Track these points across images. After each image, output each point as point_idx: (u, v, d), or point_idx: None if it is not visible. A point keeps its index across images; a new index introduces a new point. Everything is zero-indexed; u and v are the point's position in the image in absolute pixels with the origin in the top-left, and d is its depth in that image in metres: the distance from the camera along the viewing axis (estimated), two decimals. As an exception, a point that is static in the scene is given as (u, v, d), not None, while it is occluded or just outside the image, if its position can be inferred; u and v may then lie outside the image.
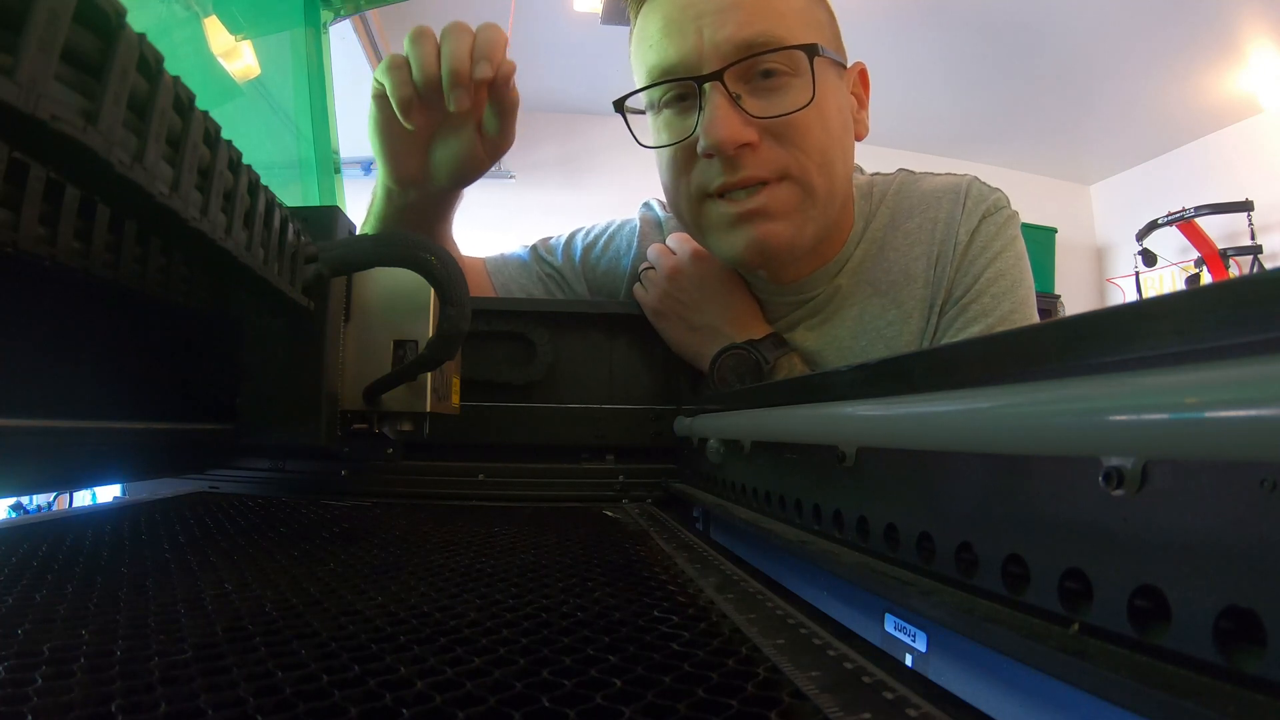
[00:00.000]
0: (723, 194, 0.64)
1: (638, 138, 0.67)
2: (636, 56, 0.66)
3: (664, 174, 0.68)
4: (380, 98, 0.62)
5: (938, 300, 0.70)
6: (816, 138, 0.62)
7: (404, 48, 0.59)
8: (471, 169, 0.66)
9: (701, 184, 0.64)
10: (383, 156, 0.66)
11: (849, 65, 0.69)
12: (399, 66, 0.59)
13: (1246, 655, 0.15)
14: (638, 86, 0.66)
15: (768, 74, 0.61)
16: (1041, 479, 0.20)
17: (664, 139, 0.65)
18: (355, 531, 0.48)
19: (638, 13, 0.67)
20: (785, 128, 0.61)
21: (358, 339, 0.55)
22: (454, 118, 0.65)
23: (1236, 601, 0.15)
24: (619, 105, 0.67)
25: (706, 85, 0.60)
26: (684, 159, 0.64)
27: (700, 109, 0.61)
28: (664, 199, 0.84)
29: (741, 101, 0.60)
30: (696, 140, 0.62)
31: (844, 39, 0.68)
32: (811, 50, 0.60)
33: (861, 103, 0.71)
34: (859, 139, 0.70)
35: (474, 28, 0.59)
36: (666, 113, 0.65)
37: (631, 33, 0.68)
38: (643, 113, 0.68)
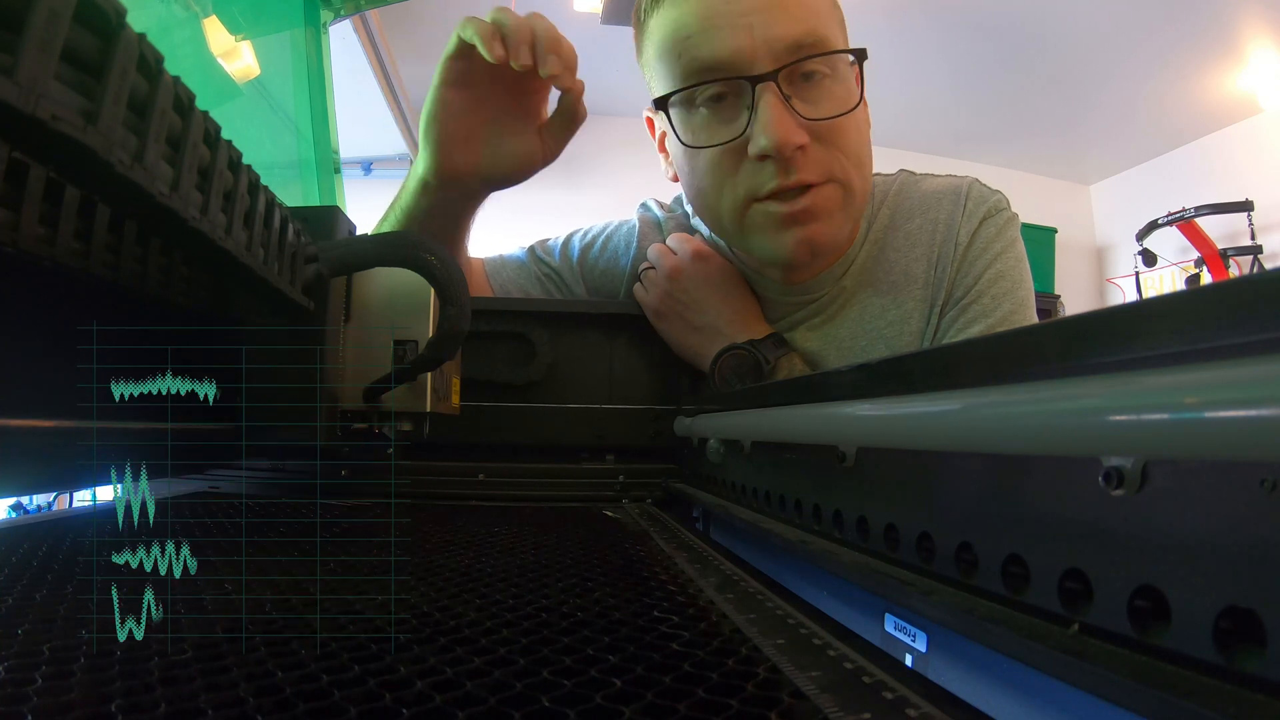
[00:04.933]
0: (771, 196, 0.63)
1: (680, 137, 0.65)
2: (669, 50, 0.64)
3: (702, 176, 0.66)
4: (452, 59, 0.61)
5: (938, 301, 0.70)
6: (854, 139, 0.63)
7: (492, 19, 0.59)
8: (526, 167, 0.66)
9: (752, 188, 0.63)
10: (435, 147, 0.64)
11: None
12: (487, 24, 0.58)
13: (1246, 655, 0.15)
14: (670, 80, 0.64)
15: (807, 75, 0.61)
16: (1041, 479, 0.20)
17: (704, 139, 0.64)
18: (355, 531, 0.48)
19: (655, 3, 0.65)
20: (828, 130, 0.62)
21: (358, 339, 0.55)
22: (510, 120, 0.65)
23: (1236, 601, 0.15)
24: (662, 103, 0.65)
25: (757, 86, 0.60)
26: (730, 161, 0.63)
27: (752, 110, 0.60)
28: (662, 200, 0.84)
29: (792, 103, 0.60)
30: (745, 142, 0.61)
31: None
32: (861, 55, 0.62)
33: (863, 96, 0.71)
34: None
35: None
36: (704, 112, 0.64)
37: (647, 23, 0.66)
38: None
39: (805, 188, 0.62)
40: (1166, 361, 0.17)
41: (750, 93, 0.60)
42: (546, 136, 0.65)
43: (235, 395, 0.50)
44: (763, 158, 0.61)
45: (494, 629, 0.27)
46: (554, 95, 0.65)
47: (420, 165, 0.67)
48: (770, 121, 0.59)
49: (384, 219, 0.71)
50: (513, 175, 0.67)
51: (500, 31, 0.57)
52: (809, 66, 0.61)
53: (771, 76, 0.59)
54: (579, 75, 0.62)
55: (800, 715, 0.20)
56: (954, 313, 0.69)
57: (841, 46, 0.63)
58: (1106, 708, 0.17)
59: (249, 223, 0.35)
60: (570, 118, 0.64)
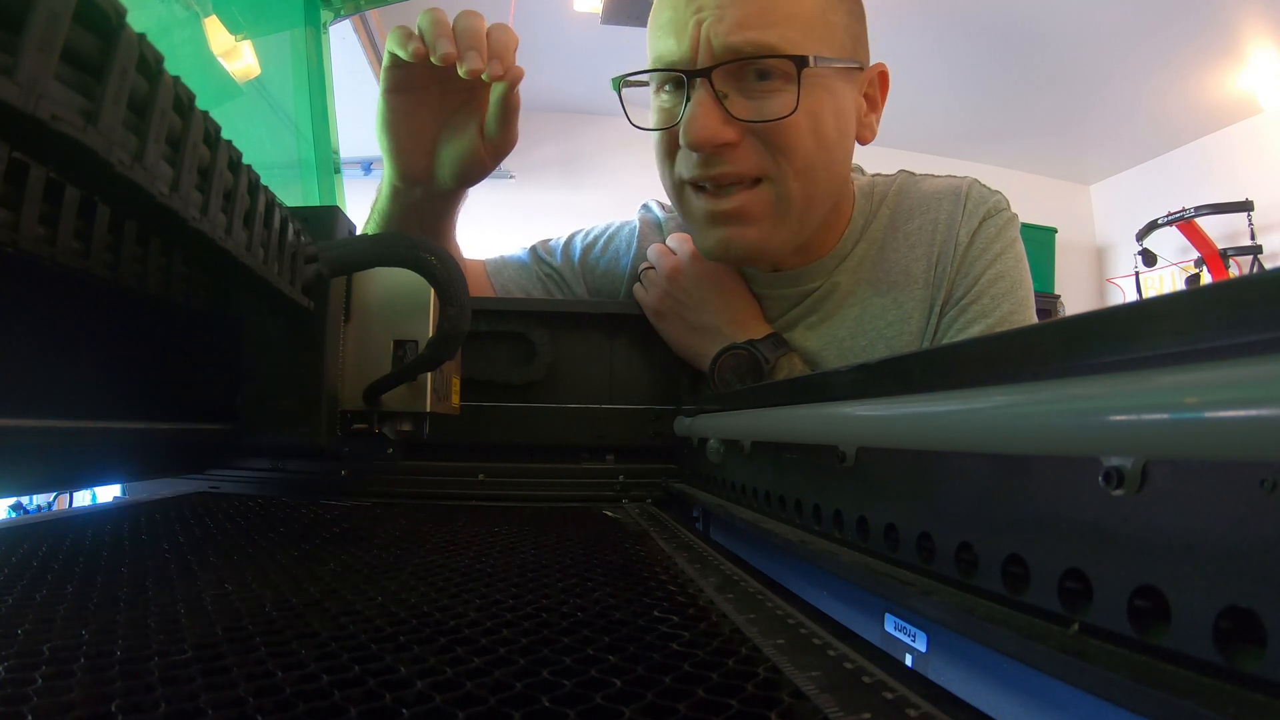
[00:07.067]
0: (699, 187, 0.65)
1: (630, 118, 0.69)
2: (648, 39, 0.68)
3: (655, 156, 0.69)
4: (389, 68, 0.62)
5: (938, 301, 0.70)
6: (803, 144, 0.62)
7: (416, 24, 0.59)
8: (475, 169, 0.67)
9: (680, 172, 0.66)
10: (390, 153, 0.66)
11: (867, 67, 0.68)
12: (410, 30, 0.59)
13: (1246, 655, 0.15)
14: (642, 70, 0.68)
15: (761, 75, 0.61)
16: (1041, 479, 0.20)
17: (656, 122, 0.67)
18: (355, 531, 0.48)
19: None
20: (771, 131, 0.62)
21: (358, 339, 0.55)
22: (459, 118, 0.65)
23: (1236, 601, 0.15)
24: (617, 83, 0.69)
25: (695, 80, 0.61)
26: (669, 144, 0.67)
27: (687, 101, 0.62)
28: (662, 200, 0.85)
29: (727, 101, 0.61)
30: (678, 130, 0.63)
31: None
32: (800, 62, 0.60)
33: (874, 105, 0.70)
34: (863, 143, 0.69)
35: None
36: (663, 97, 0.67)
37: (651, 13, 0.69)
38: (646, 84, 0.69)
39: (733, 186, 0.64)
40: (1167, 361, 0.17)
41: (688, 85, 0.62)
42: (488, 131, 0.65)
43: (235, 395, 0.50)
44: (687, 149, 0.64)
45: (494, 629, 0.27)
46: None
47: (386, 170, 0.68)
48: (692, 117, 0.61)
49: (366, 223, 0.71)
50: (465, 174, 0.67)
51: (420, 33, 0.58)
52: (761, 66, 0.61)
53: (704, 73, 0.61)
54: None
55: (800, 715, 0.20)
56: (954, 313, 0.69)
57: (826, 54, 0.62)
58: (1106, 708, 0.17)
59: (249, 223, 0.35)
60: (503, 107, 0.63)
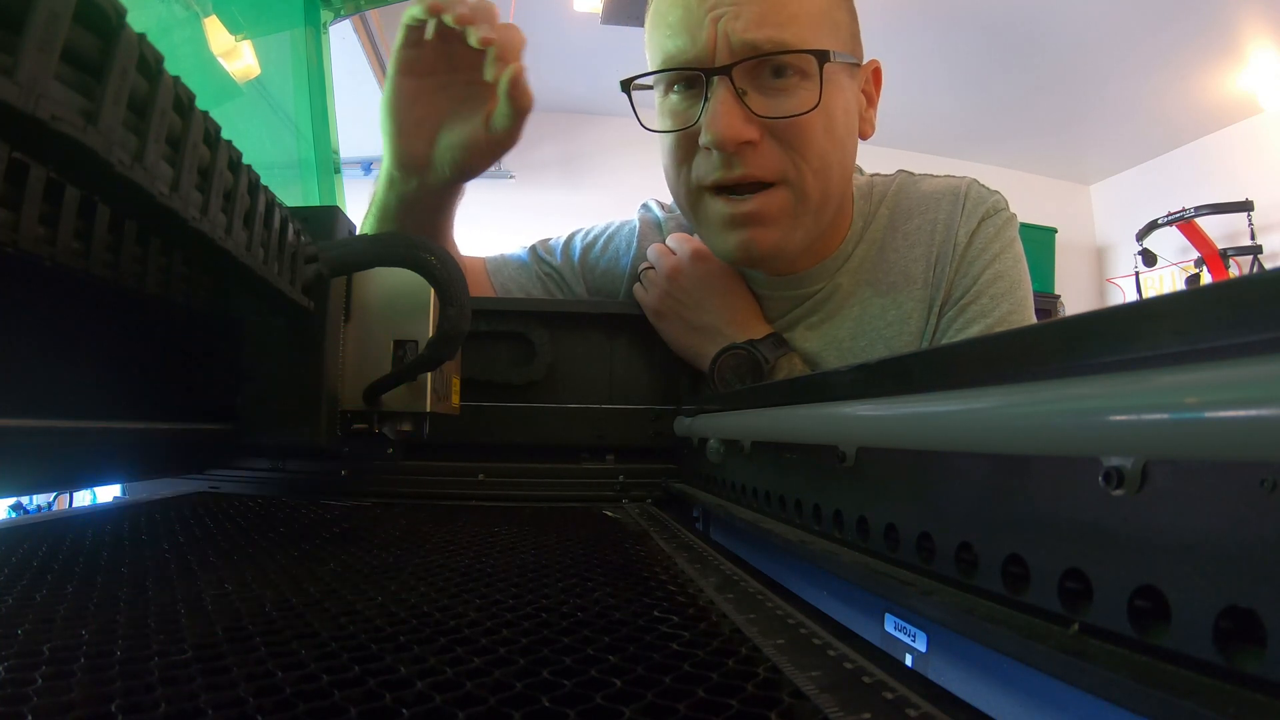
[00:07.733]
0: (719, 189, 0.65)
1: (640, 120, 0.68)
2: (651, 40, 0.67)
3: (664, 159, 0.68)
4: (402, 48, 0.62)
5: (937, 301, 0.70)
6: (819, 141, 0.63)
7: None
8: (474, 161, 0.66)
9: (699, 176, 0.65)
10: (391, 136, 0.65)
11: (864, 64, 0.69)
12: None
13: (1246, 655, 0.15)
14: (649, 69, 0.67)
15: (778, 73, 0.61)
16: (1041, 479, 0.20)
17: (668, 125, 0.66)
18: (355, 531, 0.48)
19: None
20: (788, 129, 0.62)
21: (358, 339, 0.55)
22: (464, 107, 0.65)
23: (1236, 601, 0.15)
24: (626, 85, 0.68)
25: (714, 78, 0.61)
26: (685, 147, 0.65)
27: (705, 100, 0.62)
28: (662, 200, 0.85)
29: (747, 99, 0.61)
30: (698, 131, 0.63)
31: (845, 38, 0.68)
32: (822, 56, 0.61)
33: (871, 101, 0.71)
34: (864, 138, 0.70)
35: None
36: (674, 98, 0.66)
37: (648, 14, 0.69)
38: (651, 88, 0.68)
39: (754, 188, 0.63)
40: (1167, 361, 0.17)
41: (705, 84, 0.62)
42: (494, 123, 0.63)
43: (235, 395, 0.50)
44: (710, 149, 0.63)
45: (494, 629, 0.27)
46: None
47: (385, 158, 0.68)
48: (715, 115, 0.61)
49: (365, 217, 0.71)
50: (464, 165, 0.66)
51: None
52: (778, 63, 0.61)
53: (725, 70, 0.60)
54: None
55: (800, 715, 0.20)
56: (953, 313, 0.70)
57: (833, 53, 0.62)
58: (1106, 708, 0.17)
59: (249, 223, 0.35)
60: (513, 105, 0.61)
